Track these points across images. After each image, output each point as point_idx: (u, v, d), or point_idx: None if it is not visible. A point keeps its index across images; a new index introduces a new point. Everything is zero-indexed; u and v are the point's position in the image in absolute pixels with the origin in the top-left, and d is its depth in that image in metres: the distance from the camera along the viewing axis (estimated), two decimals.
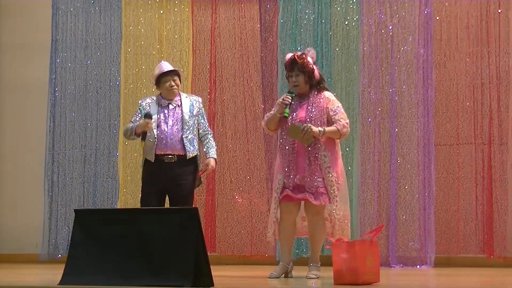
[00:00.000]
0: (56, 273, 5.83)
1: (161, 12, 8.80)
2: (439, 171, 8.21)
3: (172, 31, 8.78)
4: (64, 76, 8.95)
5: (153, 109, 6.70)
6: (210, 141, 6.85)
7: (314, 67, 6.36)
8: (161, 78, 6.70)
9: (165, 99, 6.74)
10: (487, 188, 8.10)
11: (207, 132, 6.85)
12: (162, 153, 6.63)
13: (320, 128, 6.15)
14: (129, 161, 8.73)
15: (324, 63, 8.34)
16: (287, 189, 6.20)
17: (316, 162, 6.16)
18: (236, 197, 8.54)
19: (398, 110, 8.25)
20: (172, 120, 6.69)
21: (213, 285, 5.10)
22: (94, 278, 5.18)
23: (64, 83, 8.94)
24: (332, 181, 6.15)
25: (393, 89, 8.27)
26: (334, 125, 6.22)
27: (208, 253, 5.21)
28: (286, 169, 6.23)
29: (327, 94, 6.37)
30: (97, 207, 8.58)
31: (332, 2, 8.46)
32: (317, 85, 6.35)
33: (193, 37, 8.76)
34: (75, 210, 5.56)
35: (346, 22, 8.43)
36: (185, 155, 6.66)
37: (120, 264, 5.21)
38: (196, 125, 6.77)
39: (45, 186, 8.90)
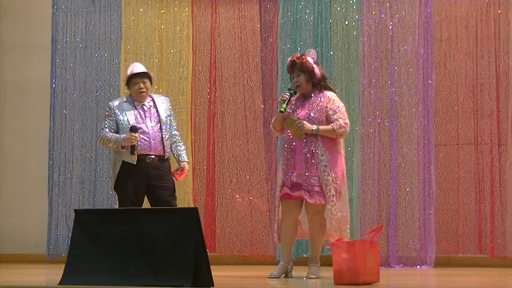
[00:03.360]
0: (56, 273, 5.83)
1: (161, 12, 8.79)
2: (439, 171, 8.20)
3: (172, 31, 8.77)
4: (64, 76, 8.93)
5: (127, 109, 6.69)
6: (180, 144, 6.88)
7: (315, 66, 6.40)
8: (131, 80, 6.70)
9: (136, 100, 6.74)
10: (487, 188, 8.10)
11: (176, 134, 6.89)
12: (145, 153, 6.63)
13: (314, 127, 6.18)
14: None
15: (324, 63, 8.33)
16: (285, 187, 6.24)
17: (313, 160, 6.18)
18: (237, 196, 8.54)
19: (398, 110, 8.25)
20: (150, 121, 6.70)
21: (213, 285, 5.10)
22: (94, 278, 5.19)
23: (64, 83, 8.93)
24: (328, 180, 6.15)
25: (393, 89, 8.26)
26: (331, 124, 6.24)
27: (208, 253, 5.22)
28: (284, 167, 6.27)
29: (329, 93, 6.40)
30: (97, 207, 8.57)
31: (332, 2, 8.46)
32: (319, 84, 6.38)
33: (193, 37, 8.75)
34: (75, 210, 5.57)
35: (346, 22, 8.42)
36: (164, 156, 6.69)
37: (120, 264, 5.22)
38: (169, 125, 6.80)
39: (45, 186, 8.89)
